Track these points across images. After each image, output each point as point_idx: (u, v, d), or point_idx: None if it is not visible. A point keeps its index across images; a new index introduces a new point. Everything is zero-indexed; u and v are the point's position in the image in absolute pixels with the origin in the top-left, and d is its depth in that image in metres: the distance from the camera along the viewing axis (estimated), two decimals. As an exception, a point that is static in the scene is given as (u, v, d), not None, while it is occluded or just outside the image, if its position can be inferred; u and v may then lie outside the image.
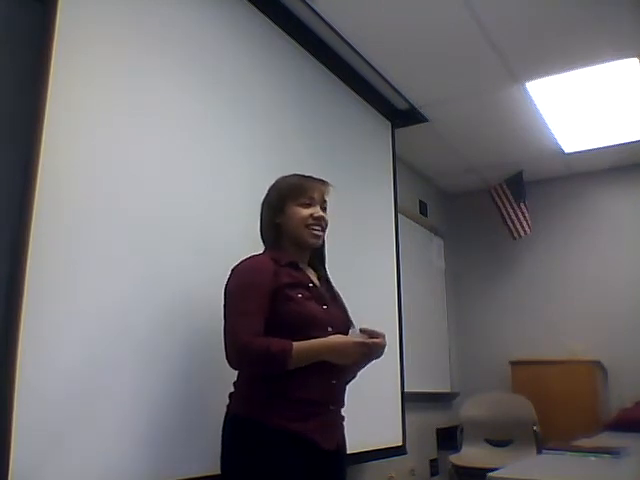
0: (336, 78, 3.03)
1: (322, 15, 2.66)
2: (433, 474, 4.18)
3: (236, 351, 1.52)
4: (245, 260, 1.65)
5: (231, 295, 1.60)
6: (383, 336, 1.61)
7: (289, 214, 1.69)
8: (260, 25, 2.49)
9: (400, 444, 3.20)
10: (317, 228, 1.70)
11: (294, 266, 1.68)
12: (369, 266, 3.12)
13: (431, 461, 4.19)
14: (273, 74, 2.53)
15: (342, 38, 2.84)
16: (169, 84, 1.98)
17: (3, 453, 1.34)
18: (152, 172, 1.87)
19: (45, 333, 1.48)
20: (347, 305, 1.82)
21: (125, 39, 1.84)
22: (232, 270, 1.64)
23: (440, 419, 4.37)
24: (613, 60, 3.06)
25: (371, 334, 1.60)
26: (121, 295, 1.70)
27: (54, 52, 1.58)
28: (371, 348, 1.58)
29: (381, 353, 1.64)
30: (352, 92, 3.17)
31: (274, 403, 1.53)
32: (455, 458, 3.82)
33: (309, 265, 1.78)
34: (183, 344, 1.82)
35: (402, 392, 3.28)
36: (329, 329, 1.62)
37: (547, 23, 2.76)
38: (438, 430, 4.32)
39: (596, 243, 4.49)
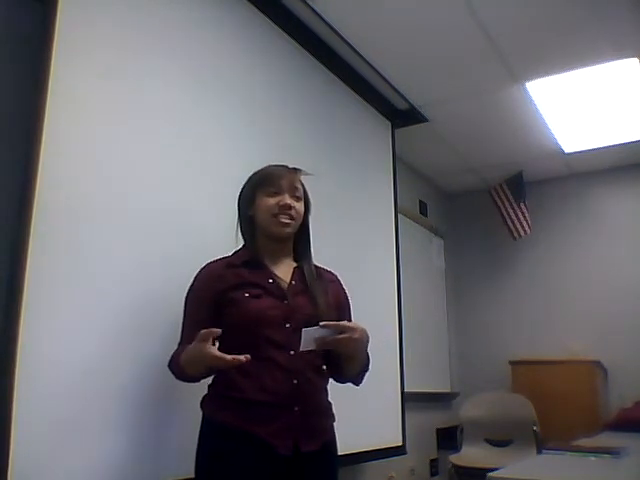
0: (336, 78, 3.03)
1: (322, 15, 2.66)
2: (433, 474, 4.18)
3: None
4: (202, 267, 1.65)
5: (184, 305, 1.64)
6: (353, 329, 1.49)
7: (258, 204, 1.64)
8: (260, 25, 2.49)
9: (400, 444, 3.20)
10: (284, 217, 1.62)
11: (251, 265, 1.61)
12: (369, 266, 3.12)
13: (431, 461, 4.19)
14: (273, 74, 2.53)
15: (342, 38, 2.84)
16: (169, 84, 1.98)
17: (3, 453, 1.34)
18: (152, 172, 1.87)
19: (45, 332, 1.48)
20: (340, 296, 1.75)
21: (125, 39, 1.84)
22: None
23: (440, 419, 4.37)
24: (613, 60, 3.06)
25: (336, 327, 1.47)
26: (121, 294, 1.70)
27: (54, 52, 1.58)
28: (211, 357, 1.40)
29: (354, 346, 1.51)
30: (352, 92, 3.17)
31: (234, 404, 1.50)
32: (455, 458, 3.82)
33: (294, 256, 1.71)
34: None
35: (402, 392, 3.28)
36: (287, 325, 1.54)
37: (547, 23, 2.77)
38: (438, 430, 4.32)
39: (596, 243, 4.49)
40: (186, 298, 1.63)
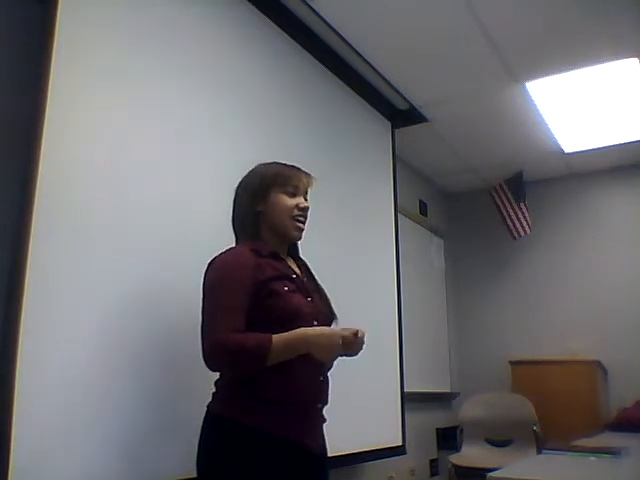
0: (336, 78, 3.03)
1: (322, 15, 2.66)
2: (433, 474, 4.18)
3: (211, 349, 1.42)
4: (224, 253, 1.55)
5: (209, 291, 1.50)
6: (363, 334, 1.51)
7: (273, 202, 1.60)
8: (260, 25, 2.49)
9: (400, 444, 3.20)
10: (302, 220, 1.62)
11: (276, 257, 1.59)
12: (369, 266, 3.12)
13: (431, 461, 4.19)
14: (273, 74, 2.53)
15: (342, 38, 2.84)
16: (168, 84, 1.98)
17: (3, 453, 1.34)
18: (152, 172, 1.87)
19: (45, 332, 1.48)
20: (330, 297, 1.73)
21: (125, 39, 1.84)
22: (210, 263, 1.55)
23: (440, 419, 4.37)
24: (613, 60, 3.06)
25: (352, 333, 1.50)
26: (122, 294, 1.70)
27: (54, 52, 1.58)
28: (353, 343, 1.48)
29: (359, 351, 1.55)
30: (352, 92, 3.17)
31: (259, 404, 1.44)
32: (455, 458, 3.82)
33: (288, 255, 1.70)
34: (182, 342, 1.82)
35: (402, 392, 3.28)
36: (314, 323, 1.54)
37: (547, 23, 2.76)
38: (438, 430, 4.32)
39: (596, 243, 4.49)
40: (216, 283, 1.50)
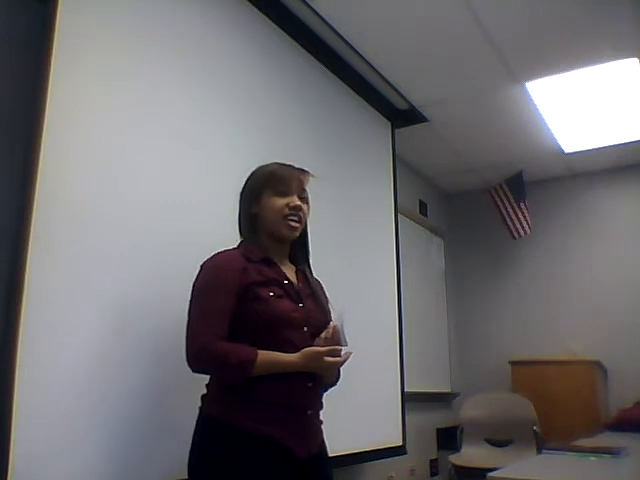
0: (336, 78, 3.03)
1: (322, 15, 2.66)
2: (433, 474, 4.18)
3: (194, 354, 1.45)
4: (214, 255, 1.57)
5: (196, 293, 1.52)
6: (346, 359, 1.53)
7: (265, 203, 1.61)
8: (260, 25, 2.49)
9: (400, 444, 3.20)
10: (294, 218, 1.60)
11: (267, 262, 1.59)
12: (369, 266, 3.12)
13: (431, 461, 4.19)
14: (273, 74, 2.53)
15: (342, 38, 2.84)
16: (169, 84, 1.98)
17: (3, 453, 1.34)
18: (152, 172, 1.87)
19: (45, 332, 1.48)
20: (329, 301, 1.73)
21: (125, 39, 1.84)
22: (201, 266, 1.56)
23: (440, 419, 4.37)
24: (613, 60, 3.07)
25: (345, 356, 1.52)
26: (122, 294, 1.70)
27: (54, 52, 1.58)
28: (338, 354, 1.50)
29: (330, 372, 1.58)
30: (352, 92, 3.17)
31: (248, 406, 1.46)
32: (455, 458, 3.82)
33: (291, 259, 1.70)
34: (182, 343, 1.81)
35: (402, 392, 3.28)
36: (304, 329, 1.55)
37: (547, 23, 2.77)
38: (438, 430, 4.33)
39: (596, 243, 4.49)
40: (203, 286, 1.53)
